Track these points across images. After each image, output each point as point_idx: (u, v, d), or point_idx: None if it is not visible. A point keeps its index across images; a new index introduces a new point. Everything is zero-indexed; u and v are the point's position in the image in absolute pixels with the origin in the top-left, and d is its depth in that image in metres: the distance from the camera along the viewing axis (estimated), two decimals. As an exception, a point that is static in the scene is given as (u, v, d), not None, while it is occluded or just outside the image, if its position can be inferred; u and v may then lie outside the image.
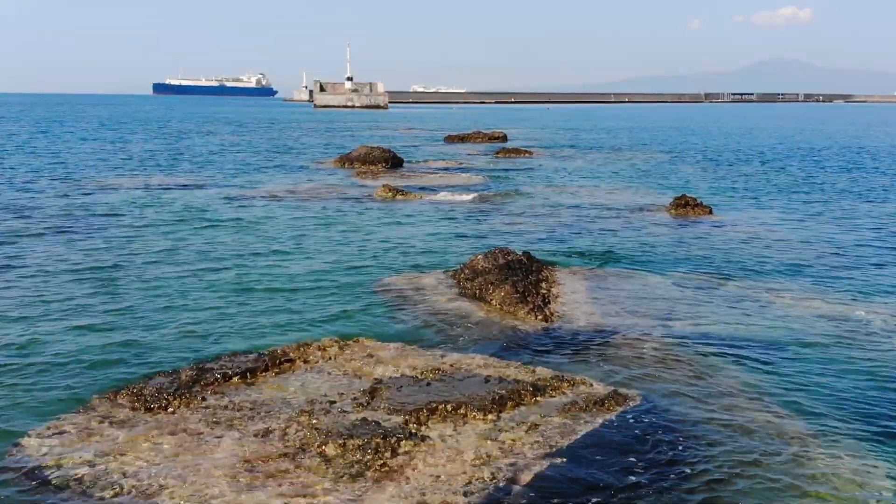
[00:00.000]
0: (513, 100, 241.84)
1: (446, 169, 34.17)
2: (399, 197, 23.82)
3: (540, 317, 10.96)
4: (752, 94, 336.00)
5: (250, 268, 13.74)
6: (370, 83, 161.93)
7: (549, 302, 11.79)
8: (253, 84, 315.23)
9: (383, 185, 24.82)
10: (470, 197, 23.85)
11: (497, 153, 43.01)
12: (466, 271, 12.86)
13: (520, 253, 13.69)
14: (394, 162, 35.99)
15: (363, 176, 30.37)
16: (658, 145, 52.91)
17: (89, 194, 22.97)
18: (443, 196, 24.24)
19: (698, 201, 22.18)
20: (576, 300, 12.09)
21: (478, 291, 12.00)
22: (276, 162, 36.55)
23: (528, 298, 11.53)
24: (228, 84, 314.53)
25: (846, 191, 27.30)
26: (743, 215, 21.31)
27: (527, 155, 42.82)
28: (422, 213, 20.51)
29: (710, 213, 21.54)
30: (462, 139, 53.76)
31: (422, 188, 26.31)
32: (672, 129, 79.16)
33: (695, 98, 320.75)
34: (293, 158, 38.80)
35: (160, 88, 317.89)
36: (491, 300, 11.67)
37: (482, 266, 12.70)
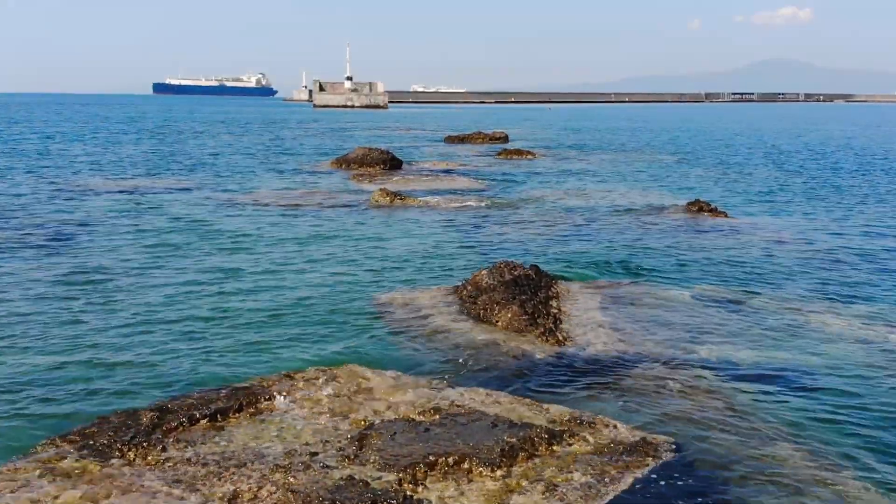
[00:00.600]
0: (513, 99, 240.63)
1: (447, 171, 33.03)
2: (397, 202, 22.66)
3: (551, 341, 9.80)
4: (753, 93, 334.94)
5: (231, 286, 12.48)
6: (370, 83, 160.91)
7: (560, 322, 10.63)
8: (253, 84, 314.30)
9: (380, 190, 23.66)
10: (472, 202, 22.70)
11: (499, 154, 41.92)
12: (469, 288, 11.71)
13: (527, 267, 12.54)
14: (392, 163, 34.86)
15: (360, 179, 29.22)
16: (663, 146, 51.76)
17: (68, 199, 21.78)
18: (443, 201, 23.09)
19: (713, 206, 21.08)
20: (590, 320, 10.93)
21: (482, 311, 10.85)
22: (270, 164, 35.40)
23: (538, 320, 10.37)
24: (228, 84, 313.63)
25: (867, 194, 26.12)
26: (761, 220, 20.15)
27: (529, 156, 41.70)
28: (420, 220, 19.32)
29: (727, 217, 20.40)
30: (462, 140, 52.62)
31: (421, 192, 25.16)
32: (676, 130, 77.99)
33: (695, 98, 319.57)
34: (288, 160, 37.66)
35: (160, 88, 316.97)
36: (497, 322, 10.52)
37: (486, 282, 11.55)
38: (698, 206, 20.96)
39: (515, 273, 11.88)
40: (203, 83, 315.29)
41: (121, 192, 24.06)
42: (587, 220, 19.48)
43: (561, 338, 9.92)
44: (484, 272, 11.92)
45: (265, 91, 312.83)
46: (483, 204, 22.32)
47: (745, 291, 12.79)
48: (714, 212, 20.62)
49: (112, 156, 37.60)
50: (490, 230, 17.88)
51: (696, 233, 17.97)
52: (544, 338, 9.86)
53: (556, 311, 11.09)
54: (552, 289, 12.21)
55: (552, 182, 28.78)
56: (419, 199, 23.16)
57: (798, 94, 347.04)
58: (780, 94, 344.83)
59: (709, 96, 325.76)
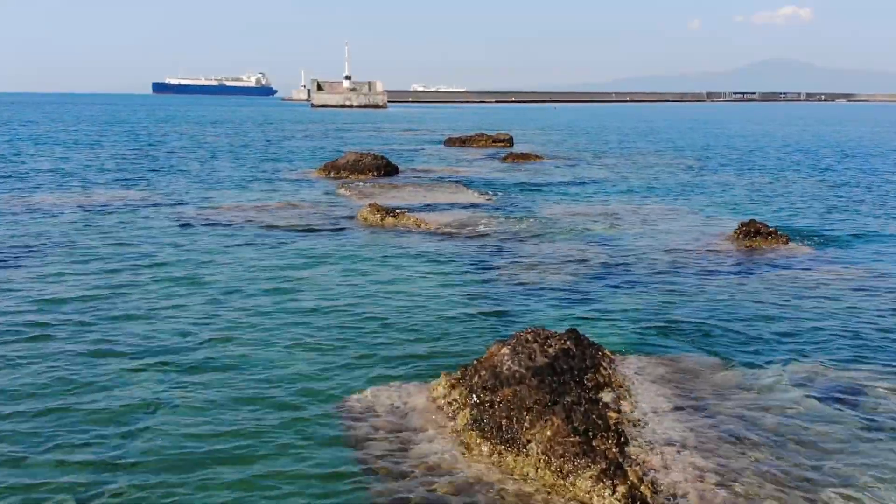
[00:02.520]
0: (513, 99, 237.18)
1: (448, 179, 29.32)
2: (389, 221, 18.98)
3: (620, 490, 6.09)
4: (755, 93, 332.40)
5: (129, 380, 8.44)
6: (369, 82, 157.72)
7: (626, 442, 6.94)
8: (252, 83, 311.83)
9: (369, 206, 19.96)
10: (479, 224, 18.83)
11: (504, 158, 38.40)
12: (483, 375, 7.99)
13: (562, 332, 8.83)
14: (387, 170, 31.29)
15: (349, 189, 25.55)
16: (681, 149, 48.02)
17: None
18: (444, 221, 19.36)
19: (770, 228, 17.35)
20: (666, 436, 7.22)
21: (504, 423, 7.14)
22: (251, 171, 31.68)
23: (594, 442, 6.67)
24: (228, 83, 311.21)
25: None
26: (836, 250, 16.32)
27: (537, 160, 38.21)
28: (415, 252, 15.29)
29: (792, 245, 16.72)
30: (464, 142, 48.87)
31: (418, 206, 21.48)
32: (686, 130, 74.30)
33: (697, 97, 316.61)
34: (273, 166, 33.94)
35: (160, 88, 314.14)
36: (528, 444, 6.81)
37: (508, 368, 7.84)
38: (754, 228, 17.22)
39: (550, 351, 8.18)
40: (203, 83, 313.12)
41: (66, 209, 20.33)
42: (622, 253, 15.52)
43: (633, 482, 6.20)
44: (504, 350, 8.20)
45: (265, 90, 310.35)
46: (492, 227, 18.41)
47: (859, 376, 9.04)
48: (775, 237, 16.91)
49: (81, 163, 33.82)
50: (503, 268, 13.88)
51: (764, 271, 14.12)
52: (608, 483, 6.13)
53: (615, 415, 7.38)
54: (601, 369, 8.52)
55: (569, 195, 25.02)
56: (415, 217, 19.44)
57: (800, 94, 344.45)
58: (781, 93, 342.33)
59: (710, 96, 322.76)
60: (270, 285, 12.47)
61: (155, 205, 21.47)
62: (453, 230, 17.91)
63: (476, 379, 8.05)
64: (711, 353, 9.61)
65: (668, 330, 10.48)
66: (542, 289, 12.45)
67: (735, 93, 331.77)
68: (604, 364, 8.74)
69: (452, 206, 22.04)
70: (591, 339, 9.17)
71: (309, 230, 17.80)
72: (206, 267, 13.62)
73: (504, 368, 7.89)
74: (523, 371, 7.73)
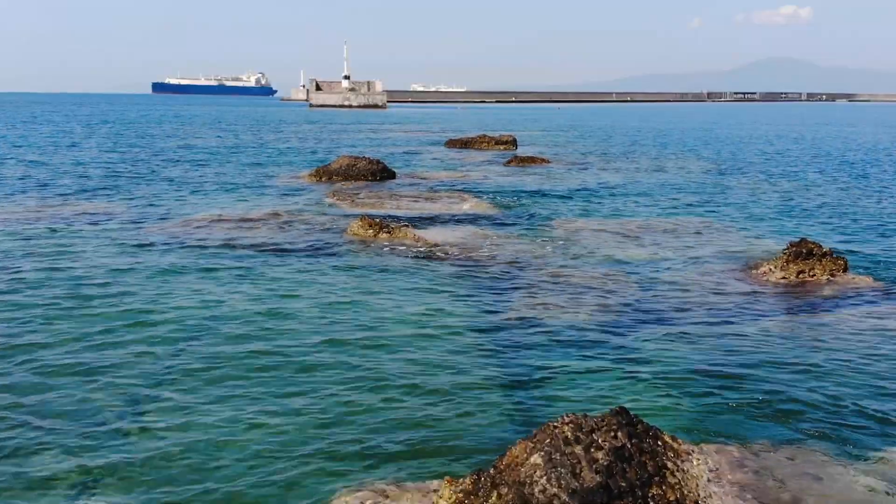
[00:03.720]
0: (514, 99, 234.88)
1: (448, 185, 26.92)
2: (382, 236, 16.62)
3: None
4: (755, 93, 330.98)
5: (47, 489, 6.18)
6: (368, 82, 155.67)
7: None
8: (252, 83, 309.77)
9: (361, 219, 17.57)
10: (483, 247, 16.24)
11: (509, 162, 36.02)
12: (504, 493, 5.56)
13: (610, 417, 6.42)
14: (383, 175, 28.94)
15: (340, 197, 23.18)
16: (693, 152, 45.55)
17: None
18: (444, 239, 16.94)
19: (825, 249, 14.88)
20: None
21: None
22: (240, 176, 29.26)
23: None
24: (228, 83, 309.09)
25: None
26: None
27: (543, 164, 35.86)
28: (409, 285, 12.61)
29: (846, 270, 14.30)
30: (465, 144, 46.45)
31: (416, 218, 19.10)
32: (694, 131, 71.87)
33: (697, 97, 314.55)
34: (263, 170, 31.53)
35: (159, 88, 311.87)
36: None
37: (542, 490, 5.41)
38: (806, 248, 14.73)
39: (599, 457, 5.74)
40: (202, 83, 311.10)
41: (20, 224, 17.90)
42: (656, 285, 12.72)
43: None
44: (535, 458, 5.75)
45: (265, 90, 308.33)
46: (501, 249, 15.84)
47: None
48: (831, 260, 14.41)
49: (53, 168, 31.36)
50: (517, 307, 11.15)
51: (836, 310, 11.47)
52: None
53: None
54: (668, 475, 6.09)
55: (583, 205, 22.57)
56: (412, 233, 17.04)
57: (800, 94, 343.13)
58: (782, 93, 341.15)
59: (711, 96, 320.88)
60: (230, 336, 9.95)
61: (119, 219, 19.02)
62: (456, 251, 15.46)
63: (494, 497, 5.64)
64: (802, 438, 7.18)
65: (735, 400, 8.04)
66: (565, 336, 9.90)
67: (736, 93, 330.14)
68: (669, 465, 6.31)
69: (454, 218, 19.67)
70: (645, 423, 6.76)
71: (290, 250, 15.38)
72: (157, 306, 11.14)
73: (536, 490, 5.46)
74: (566, 498, 5.30)
